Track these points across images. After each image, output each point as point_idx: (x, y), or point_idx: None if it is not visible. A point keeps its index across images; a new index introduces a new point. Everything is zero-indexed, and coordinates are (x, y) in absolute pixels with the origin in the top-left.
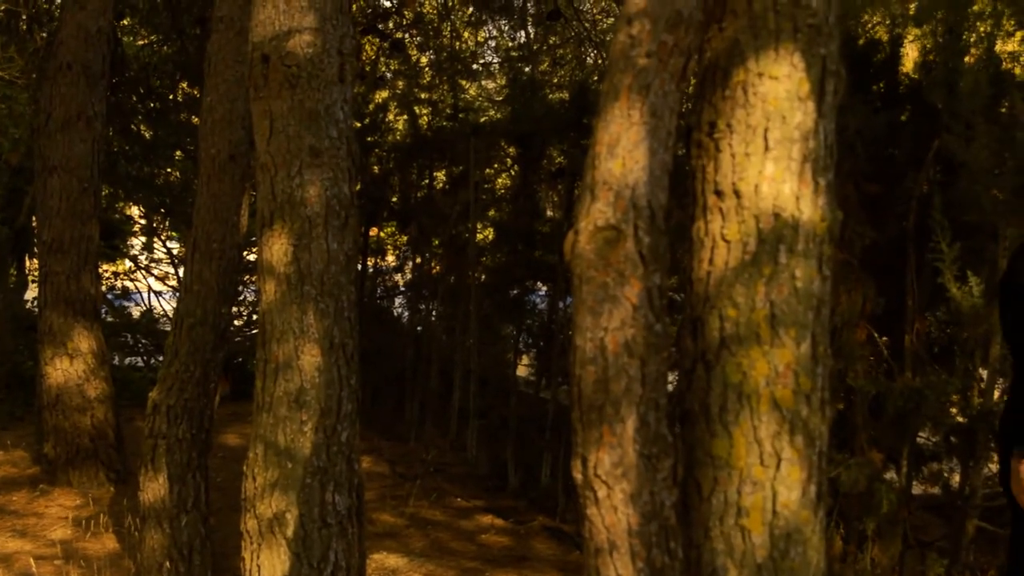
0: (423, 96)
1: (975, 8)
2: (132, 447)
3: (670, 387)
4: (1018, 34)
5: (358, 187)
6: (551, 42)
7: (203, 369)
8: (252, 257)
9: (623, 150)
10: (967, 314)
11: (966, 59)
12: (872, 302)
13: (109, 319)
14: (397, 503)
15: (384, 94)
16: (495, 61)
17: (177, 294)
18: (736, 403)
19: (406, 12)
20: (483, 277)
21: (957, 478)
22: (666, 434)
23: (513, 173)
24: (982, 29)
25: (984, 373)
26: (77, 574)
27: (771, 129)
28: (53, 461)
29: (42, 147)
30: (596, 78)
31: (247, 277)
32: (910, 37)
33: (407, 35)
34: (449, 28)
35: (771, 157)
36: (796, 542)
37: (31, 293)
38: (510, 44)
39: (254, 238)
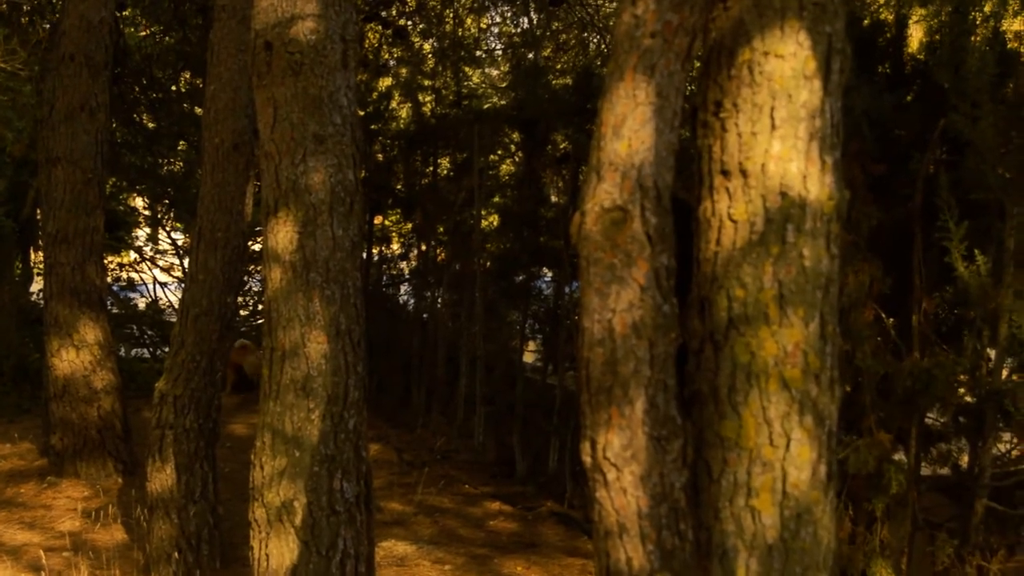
0: (426, 83)
1: None
2: (139, 438)
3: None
4: None
5: (362, 174)
6: (554, 28)
7: (209, 359)
8: (257, 247)
9: (629, 131)
10: (975, 293)
11: (972, 38)
12: (879, 282)
13: (115, 310)
14: (405, 490)
15: (387, 82)
16: (498, 47)
17: (182, 285)
18: (745, 383)
19: None
20: (488, 264)
21: (966, 458)
22: (675, 415)
23: (517, 159)
24: (988, 8)
25: (992, 352)
26: (86, 565)
27: (777, 108)
28: (60, 453)
29: (46, 138)
30: (600, 63)
31: (252, 267)
32: (915, 17)
33: (410, 22)
34: (452, 15)
35: (777, 136)
36: (806, 522)
37: (36, 286)
38: (513, 30)
39: (259, 227)
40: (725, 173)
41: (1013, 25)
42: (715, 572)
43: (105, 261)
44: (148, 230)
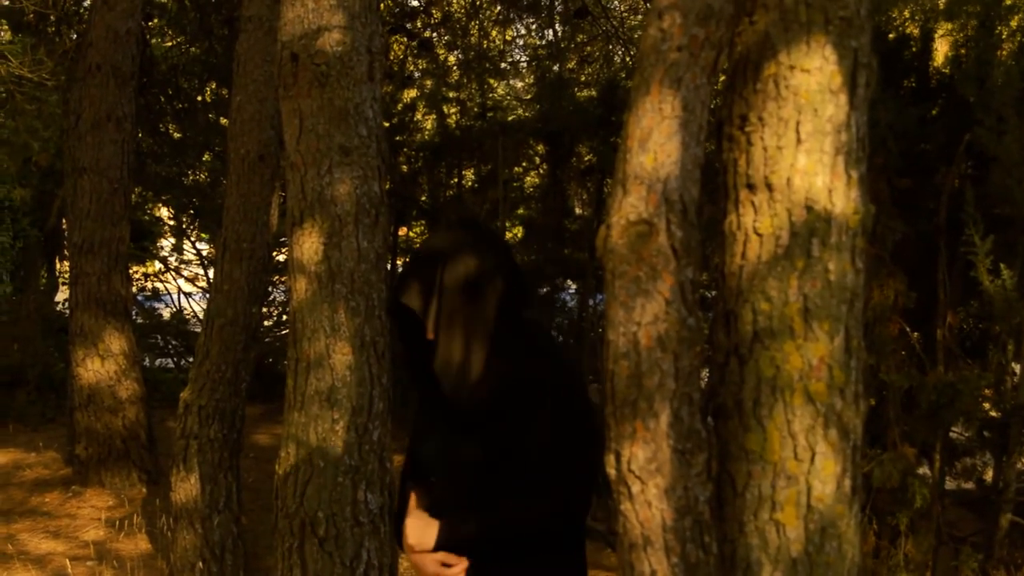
0: (451, 95)
1: (1007, 1)
2: (164, 447)
3: (702, 382)
4: None
5: (388, 186)
6: (579, 40)
7: (234, 369)
8: (282, 257)
9: (655, 144)
10: (1000, 307)
11: (998, 52)
12: (904, 296)
13: (139, 320)
14: None
15: (412, 93)
16: (523, 59)
17: (207, 295)
18: (770, 397)
19: (434, 11)
20: None
21: (990, 473)
22: (700, 429)
23: (542, 171)
24: (1014, 22)
25: (1017, 367)
26: (111, 574)
27: (803, 122)
28: (85, 462)
29: (72, 148)
30: (624, 75)
31: (277, 277)
32: (941, 31)
33: (435, 34)
34: (477, 27)
35: (803, 150)
36: (831, 536)
37: (62, 295)
38: (538, 42)
39: (284, 238)
40: (751, 187)
41: None
42: None
43: (130, 271)
44: (173, 240)
